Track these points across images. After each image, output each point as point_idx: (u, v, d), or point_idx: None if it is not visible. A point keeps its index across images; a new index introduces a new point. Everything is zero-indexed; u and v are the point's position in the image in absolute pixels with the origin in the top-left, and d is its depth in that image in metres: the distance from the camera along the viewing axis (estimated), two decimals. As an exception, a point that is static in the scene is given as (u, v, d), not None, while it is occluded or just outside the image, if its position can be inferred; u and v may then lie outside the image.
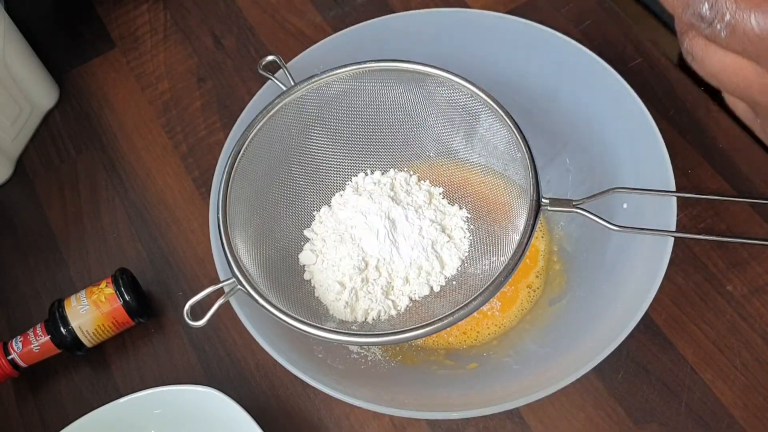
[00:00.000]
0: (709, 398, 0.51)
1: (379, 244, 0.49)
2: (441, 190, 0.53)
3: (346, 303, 0.47)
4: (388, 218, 0.49)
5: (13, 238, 0.65)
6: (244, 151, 0.47)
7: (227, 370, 0.57)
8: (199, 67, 0.72)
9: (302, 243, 0.51)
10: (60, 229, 0.65)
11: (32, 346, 0.55)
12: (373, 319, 0.47)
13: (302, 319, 0.42)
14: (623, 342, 0.43)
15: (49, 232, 0.65)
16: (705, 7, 0.24)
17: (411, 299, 0.48)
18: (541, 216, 0.43)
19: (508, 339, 0.53)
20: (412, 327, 0.41)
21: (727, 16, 0.24)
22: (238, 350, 0.57)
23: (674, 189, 0.47)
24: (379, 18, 0.57)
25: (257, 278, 0.45)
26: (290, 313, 0.42)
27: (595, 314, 0.48)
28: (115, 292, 0.55)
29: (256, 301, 0.43)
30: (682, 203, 0.51)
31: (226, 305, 0.43)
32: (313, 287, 0.49)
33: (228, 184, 0.46)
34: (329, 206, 0.52)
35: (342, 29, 0.57)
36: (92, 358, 0.58)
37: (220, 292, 0.43)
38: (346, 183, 0.53)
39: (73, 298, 0.56)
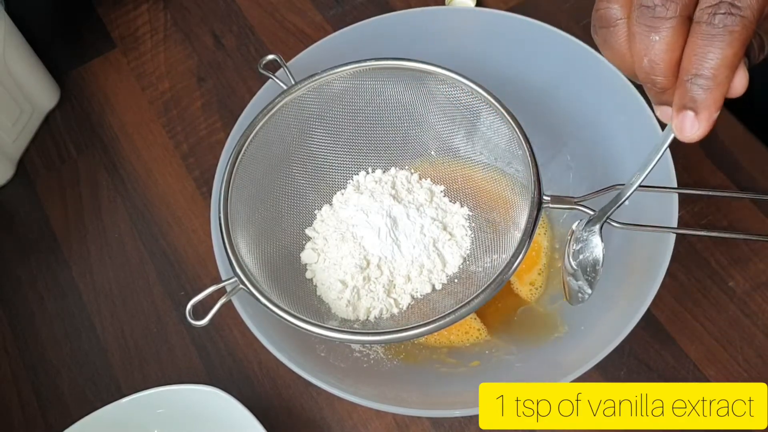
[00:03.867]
0: (711, 395, 0.51)
1: (380, 242, 0.48)
2: (442, 188, 0.53)
3: (348, 301, 0.47)
4: (390, 216, 0.49)
5: (14, 238, 0.65)
6: (245, 150, 0.47)
7: (230, 369, 0.57)
8: (200, 66, 0.72)
9: (304, 242, 0.51)
10: (61, 230, 0.65)
11: None
12: (375, 318, 0.47)
13: (304, 318, 0.42)
14: (625, 339, 0.43)
15: (51, 233, 0.65)
16: None
17: (413, 297, 0.48)
18: (542, 213, 0.43)
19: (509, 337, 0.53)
20: (414, 325, 0.41)
21: None
22: (241, 349, 0.57)
23: (676, 185, 0.47)
24: (380, 16, 0.57)
25: (259, 277, 0.44)
26: (292, 312, 0.42)
27: (597, 311, 0.47)
28: None
29: (258, 300, 0.43)
30: (683, 199, 0.51)
31: (228, 304, 0.43)
32: (315, 286, 0.49)
33: (229, 183, 0.46)
34: (330, 205, 0.52)
35: (342, 28, 0.57)
36: (94, 358, 0.58)
37: (222, 292, 0.43)
38: (348, 181, 0.53)
39: None
